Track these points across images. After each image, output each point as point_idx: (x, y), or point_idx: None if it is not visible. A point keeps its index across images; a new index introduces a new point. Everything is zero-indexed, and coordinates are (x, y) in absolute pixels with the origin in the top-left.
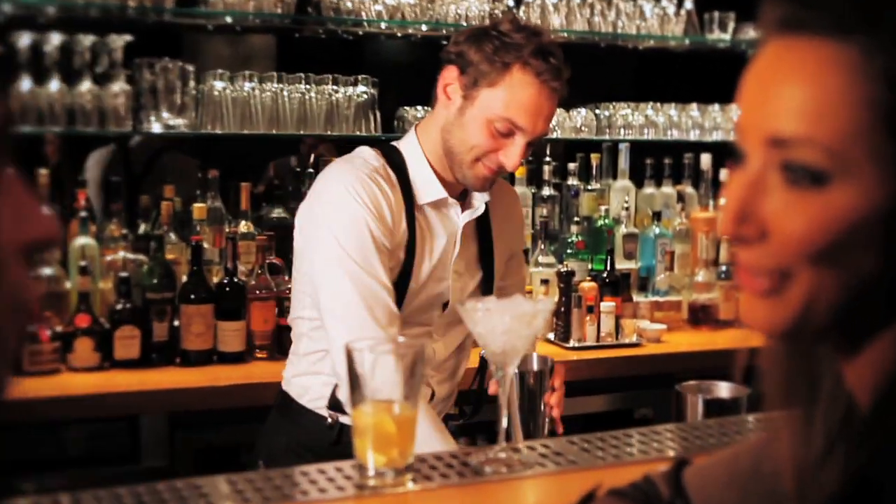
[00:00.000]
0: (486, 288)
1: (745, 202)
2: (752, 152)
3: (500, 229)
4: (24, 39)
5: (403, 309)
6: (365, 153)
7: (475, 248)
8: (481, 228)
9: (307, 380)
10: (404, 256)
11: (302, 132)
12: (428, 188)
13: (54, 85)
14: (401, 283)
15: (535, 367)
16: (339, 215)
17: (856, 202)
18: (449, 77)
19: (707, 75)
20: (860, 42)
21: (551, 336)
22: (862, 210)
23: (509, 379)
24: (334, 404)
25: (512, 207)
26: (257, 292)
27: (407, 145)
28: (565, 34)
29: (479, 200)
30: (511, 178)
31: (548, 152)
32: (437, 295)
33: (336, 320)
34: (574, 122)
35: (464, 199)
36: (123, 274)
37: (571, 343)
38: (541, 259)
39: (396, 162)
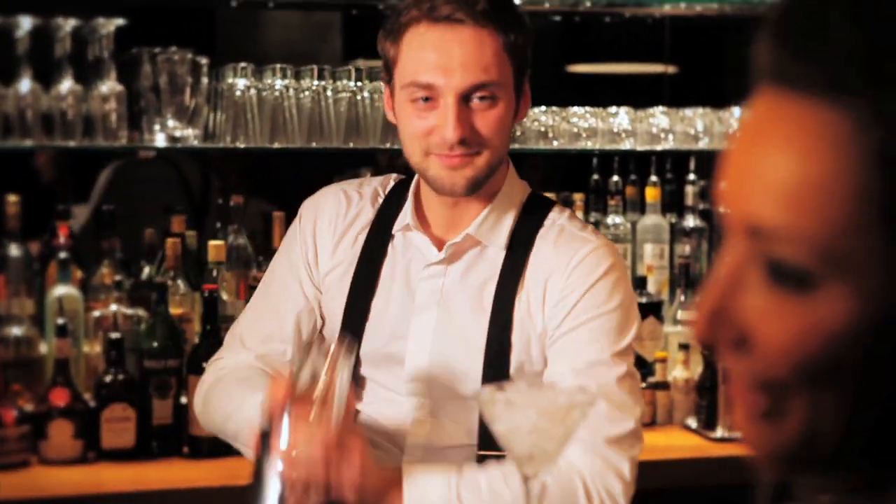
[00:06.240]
0: (493, 374)
1: (721, 300)
2: (731, 238)
3: (530, 295)
4: None
5: (364, 363)
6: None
7: (472, 313)
8: (502, 290)
9: None
10: (351, 284)
11: (352, 145)
12: (403, 213)
13: (25, 84)
14: (352, 320)
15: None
16: None
17: (848, 309)
18: (386, 93)
19: None
20: (856, 108)
21: (691, 423)
22: (855, 319)
23: (537, 495)
24: None
25: (558, 266)
26: None
27: None
28: (716, 3)
29: (478, 242)
30: (641, 203)
31: (691, 167)
32: (390, 355)
33: None
34: (727, 126)
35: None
36: (115, 335)
37: (719, 432)
38: (680, 315)
39: (401, 188)
